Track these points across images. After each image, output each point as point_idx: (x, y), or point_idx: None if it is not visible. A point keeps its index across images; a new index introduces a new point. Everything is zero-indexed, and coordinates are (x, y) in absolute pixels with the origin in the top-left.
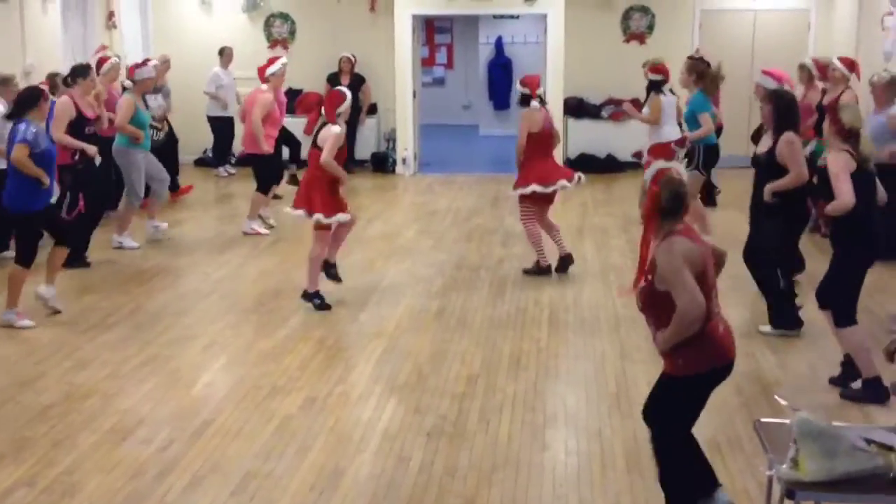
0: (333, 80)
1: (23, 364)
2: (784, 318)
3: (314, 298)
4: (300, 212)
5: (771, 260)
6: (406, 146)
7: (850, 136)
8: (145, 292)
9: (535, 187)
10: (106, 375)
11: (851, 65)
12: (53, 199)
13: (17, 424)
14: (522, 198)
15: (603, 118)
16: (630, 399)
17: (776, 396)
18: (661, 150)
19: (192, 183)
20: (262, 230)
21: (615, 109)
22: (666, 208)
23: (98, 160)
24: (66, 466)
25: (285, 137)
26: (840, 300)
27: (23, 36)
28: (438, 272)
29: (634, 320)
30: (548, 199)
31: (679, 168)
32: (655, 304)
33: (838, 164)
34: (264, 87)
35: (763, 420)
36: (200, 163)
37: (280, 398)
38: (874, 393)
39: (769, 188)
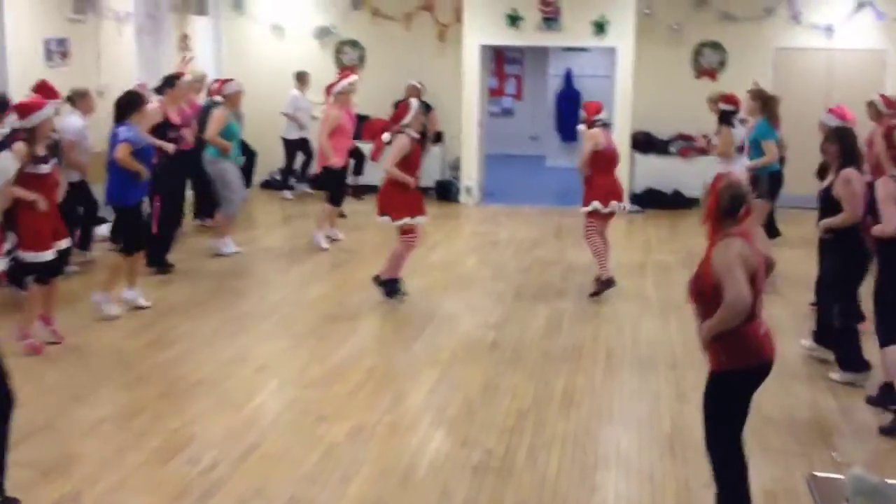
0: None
1: (79, 378)
2: (848, 361)
3: (385, 285)
4: (385, 218)
5: (829, 297)
6: (470, 175)
7: None
8: (203, 312)
9: (596, 204)
10: (158, 394)
11: (890, 103)
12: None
13: (68, 439)
14: (587, 213)
15: (671, 153)
16: (684, 442)
17: (833, 453)
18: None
19: (258, 204)
20: (324, 244)
21: (684, 145)
22: (726, 209)
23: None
24: (112, 484)
25: (353, 151)
26: (880, 318)
27: (98, 57)
28: (496, 303)
29: (693, 360)
30: (608, 216)
31: (740, 174)
32: (704, 295)
33: (886, 189)
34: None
35: (817, 475)
36: (266, 185)
37: (328, 425)
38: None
39: (823, 224)
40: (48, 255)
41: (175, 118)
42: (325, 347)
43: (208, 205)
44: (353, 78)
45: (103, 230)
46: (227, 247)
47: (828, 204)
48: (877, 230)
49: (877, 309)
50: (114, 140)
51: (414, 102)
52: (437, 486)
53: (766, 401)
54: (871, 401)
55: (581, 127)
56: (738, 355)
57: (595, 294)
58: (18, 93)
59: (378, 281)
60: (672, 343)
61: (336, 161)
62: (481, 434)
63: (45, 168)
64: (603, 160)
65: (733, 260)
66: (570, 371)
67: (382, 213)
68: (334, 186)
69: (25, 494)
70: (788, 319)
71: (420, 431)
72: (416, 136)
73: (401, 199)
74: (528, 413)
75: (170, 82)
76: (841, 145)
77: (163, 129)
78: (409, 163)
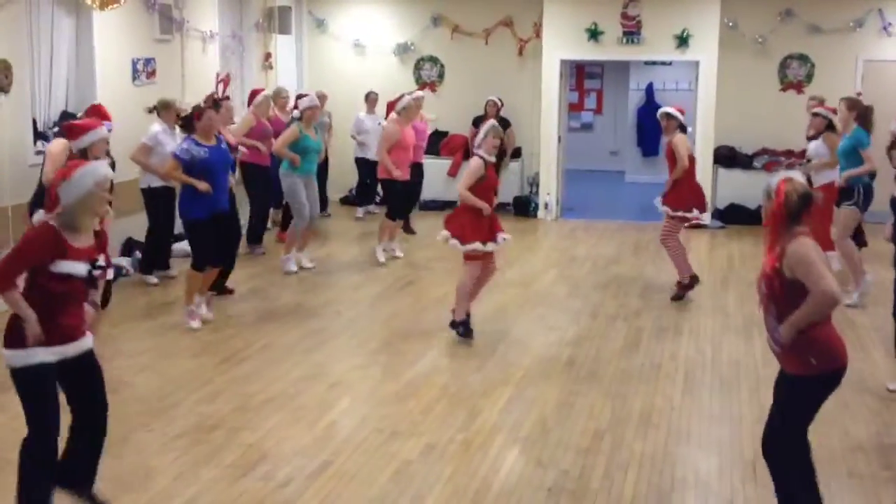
0: (478, 123)
1: (159, 393)
2: None
3: (458, 327)
4: (455, 241)
5: None
6: (549, 191)
7: None
8: (278, 328)
9: (683, 213)
10: (233, 409)
11: None
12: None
13: (146, 453)
14: (675, 217)
15: (755, 168)
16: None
17: None
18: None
19: (333, 221)
20: (382, 258)
21: (769, 160)
22: (795, 209)
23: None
24: (187, 499)
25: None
26: None
27: (182, 74)
28: (573, 320)
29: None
30: (689, 222)
31: (801, 177)
32: (781, 292)
33: None
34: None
35: None
36: (345, 201)
37: (400, 443)
38: None
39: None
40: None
41: (231, 139)
42: (398, 364)
43: (286, 220)
44: (418, 94)
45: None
46: (289, 264)
47: None
48: None
49: None
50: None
51: (487, 124)
52: None
53: (852, 424)
54: None
55: (681, 134)
56: (828, 358)
57: (677, 298)
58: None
59: (453, 324)
60: (755, 363)
61: (397, 174)
62: (556, 454)
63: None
64: (693, 165)
65: (813, 254)
66: (647, 391)
67: (455, 235)
68: (394, 200)
69: None
70: (875, 336)
71: (493, 450)
72: (490, 158)
73: (472, 223)
74: (604, 433)
75: (215, 106)
76: None
77: None
78: (484, 187)
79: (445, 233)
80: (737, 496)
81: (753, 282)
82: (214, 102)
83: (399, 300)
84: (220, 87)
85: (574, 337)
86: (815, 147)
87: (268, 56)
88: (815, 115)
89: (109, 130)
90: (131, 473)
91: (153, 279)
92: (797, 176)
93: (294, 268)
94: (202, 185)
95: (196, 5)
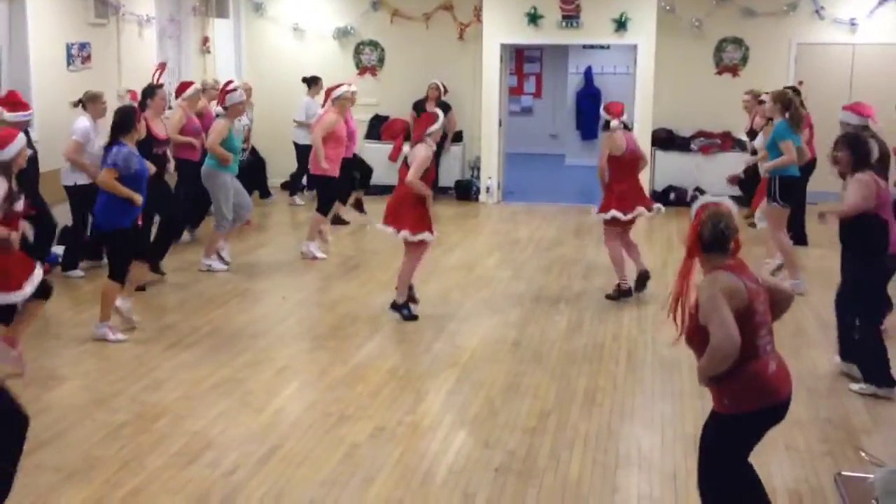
0: (419, 107)
1: (101, 381)
2: (871, 373)
3: (402, 309)
4: (389, 229)
5: (851, 302)
6: (490, 174)
7: None
8: (223, 315)
9: (614, 213)
10: (178, 396)
11: None
12: None
13: (90, 442)
14: (606, 220)
15: (692, 151)
16: None
17: (861, 451)
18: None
19: (274, 207)
20: (319, 254)
21: (705, 142)
22: (707, 242)
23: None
24: (133, 487)
25: (357, 163)
26: None
27: (118, 60)
28: (516, 303)
29: None
30: (630, 223)
31: (730, 203)
32: (700, 337)
33: None
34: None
35: (845, 473)
36: (286, 186)
37: (349, 426)
38: None
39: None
40: (21, 293)
41: (161, 133)
42: (345, 349)
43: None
44: (354, 88)
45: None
46: (214, 263)
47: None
48: None
49: None
50: (102, 161)
51: (441, 115)
52: (459, 487)
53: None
54: None
55: (615, 123)
56: (742, 399)
57: (611, 297)
58: (40, 97)
59: (395, 306)
60: None
61: (329, 169)
62: (503, 435)
63: (19, 205)
64: (623, 165)
65: (718, 298)
66: (591, 371)
67: (395, 225)
68: (326, 195)
69: (48, 499)
70: (815, 326)
71: (441, 432)
72: (434, 147)
73: (417, 213)
74: (549, 413)
75: (149, 94)
76: (852, 152)
77: (147, 144)
78: (428, 175)
79: (391, 229)
80: (679, 470)
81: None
82: (150, 89)
83: (345, 284)
84: (156, 73)
85: (518, 319)
86: (760, 141)
87: (205, 40)
88: (762, 102)
89: (27, 120)
90: (76, 464)
91: (79, 272)
92: (726, 202)
93: (223, 266)
94: (138, 198)
95: None
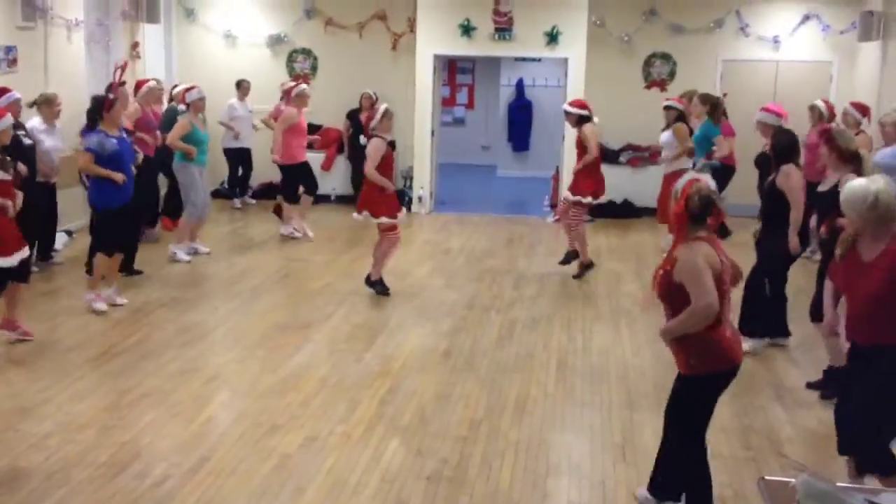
0: (353, 116)
1: (27, 390)
2: (771, 325)
3: (376, 285)
4: (364, 214)
5: (761, 274)
6: (422, 184)
7: (851, 158)
8: (152, 322)
9: (591, 199)
10: (106, 406)
11: (864, 110)
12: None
13: (14, 453)
14: (577, 203)
15: (621, 163)
16: (635, 448)
17: (783, 456)
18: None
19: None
20: (298, 234)
21: (633, 155)
22: (695, 213)
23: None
24: (58, 499)
25: (304, 173)
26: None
27: (45, 64)
28: (448, 312)
29: (643, 368)
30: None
31: (710, 180)
32: (671, 294)
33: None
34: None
35: (767, 478)
36: (216, 194)
37: (280, 436)
38: None
39: (792, 229)
40: (13, 260)
41: (128, 124)
42: (276, 358)
43: (174, 209)
44: (308, 88)
45: (64, 239)
46: (182, 253)
47: (772, 196)
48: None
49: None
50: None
51: (381, 108)
52: (391, 496)
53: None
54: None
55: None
56: (708, 360)
57: (577, 276)
58: None
59: (369, 281)
60: (623, 351)
61: (296, 156)
62: (434, 443)
63: (2, 175)
64: (601, 153)
65: (701, 263)
66: (522, 380)
67: (361, 210)
68: (291, 183)
69: None
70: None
71: (373, 441)
72: (388, 137)
73: (380, 198)
74: (480, 422)
75: (111, 92)
76: (779, 144)
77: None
78: (385, 165)
79: (361, 216)
80: (608, 477)
81: (621, 274)
82: (111, 87)
83: (276, 293)
84: (118, 72)
85: (450, 328)
86: (665, 138)
87: (135, 45)
88: (667, 108)
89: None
90: (0, 475)
91: (33, 268)
92: (705, 178)
93: (186, 257)
94: (118, 177)
95: None
